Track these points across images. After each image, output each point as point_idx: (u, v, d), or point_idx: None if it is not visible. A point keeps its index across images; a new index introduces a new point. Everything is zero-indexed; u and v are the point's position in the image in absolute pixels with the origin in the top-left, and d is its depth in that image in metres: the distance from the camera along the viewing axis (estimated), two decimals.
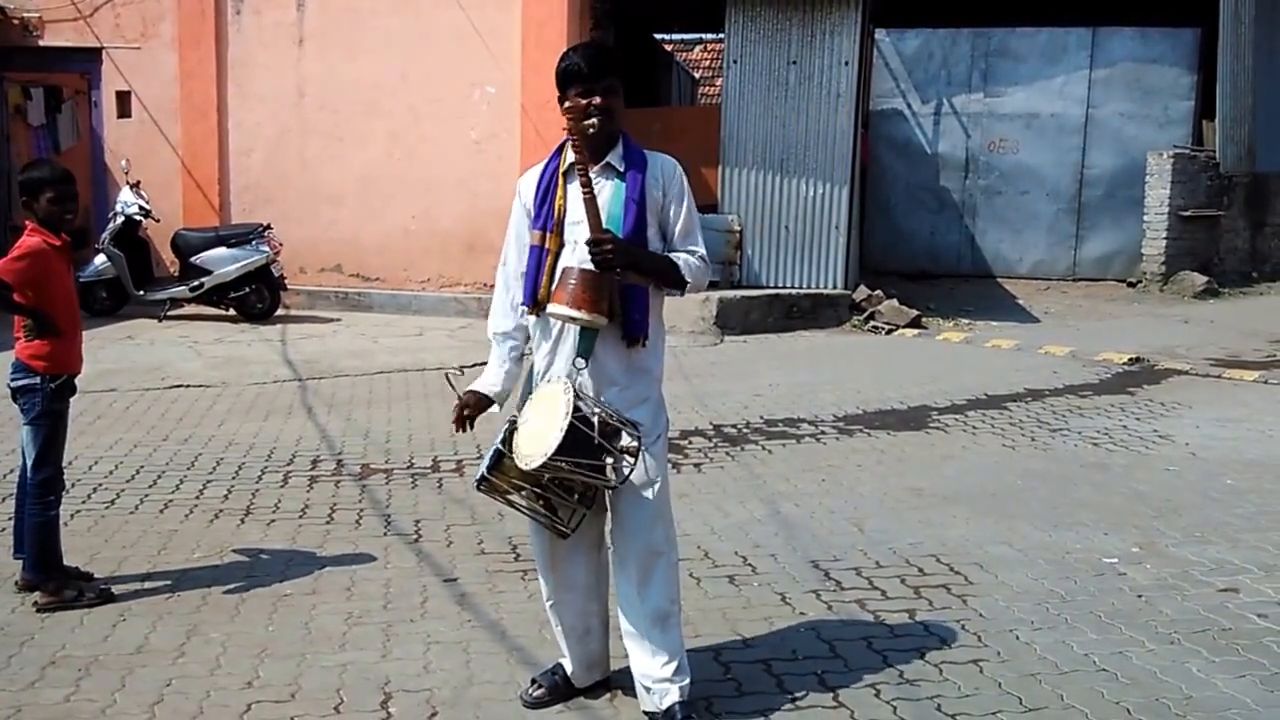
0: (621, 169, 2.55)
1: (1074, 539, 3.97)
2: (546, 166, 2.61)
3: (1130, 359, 7.53)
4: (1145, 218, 11.08)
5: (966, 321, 9.38)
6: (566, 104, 2.50)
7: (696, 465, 4.93)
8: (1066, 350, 7.91)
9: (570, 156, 2.53)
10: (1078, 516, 4.23)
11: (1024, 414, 6.00)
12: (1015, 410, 6.09)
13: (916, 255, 11.83)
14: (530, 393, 2.58)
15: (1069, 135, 11.51)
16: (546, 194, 2.57)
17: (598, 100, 2.48)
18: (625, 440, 2.43)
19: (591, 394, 2.50)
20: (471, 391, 2.66)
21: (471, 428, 2.64)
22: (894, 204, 11.92)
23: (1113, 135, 11.40)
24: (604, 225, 2.45)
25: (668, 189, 2.58)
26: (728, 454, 5.13)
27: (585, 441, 2.36)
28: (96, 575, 3.51)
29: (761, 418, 5.87)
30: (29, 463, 3.39)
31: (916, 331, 8.89)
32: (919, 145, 11.90)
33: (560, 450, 2.32)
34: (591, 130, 2.47)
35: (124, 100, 9.78)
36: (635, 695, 2.66)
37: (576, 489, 2.49)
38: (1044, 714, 2.69)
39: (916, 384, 6.76)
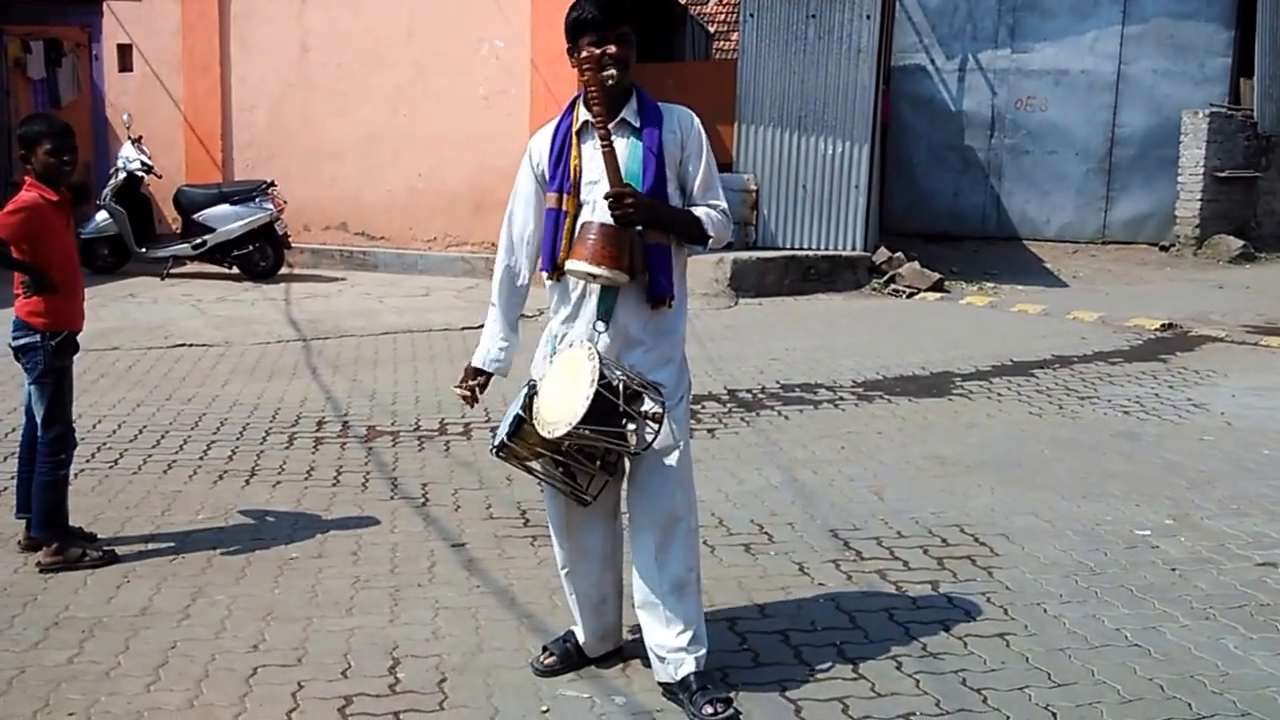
0: (637, 124, 2.46)
1: (1104, 510, 3.86)
2: (559, 125, 2.50)
3: (1162, 325, 7.36)
4: (1179, 179, 10.81)
5: (991, 285, 9.21)
6: (582, 54, 2.38)
7: (711, 431, 4.83)
8: (1096, 315, 7.75)
9: (583, 114, 2.42)
10: (1108, 487, 4.12)
11: (1051, 381, 5.86)
12: (1042, 377, 5.95)
13: (939, 216, 11.60)
14: (549, 357, 2.49)
15: (1100, 93, 11.20)
16: (561, 154, 2.47)
17: (613, 49, 2.37)
18: (648, 405, 2.35)
19: (613, 357, 2.41)
20: (476, 369, 2.60)
21: (482, 392, 2.62)
22: (916, 163, 11.67)
23: (1145, 93, 11.10)
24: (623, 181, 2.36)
25: (686, 142, 2.49)
26: (743, 419, 5.03)
27: (609, 408, 2.29)
28: (100, 536, 3.47)
29: (778, 382, 5.76)
30: (39, 421, 3.35)
31: (939, 295, 8.73)
32: (943, 102, 11.61)
33: (585, 418, 2.24)
34: (610, 81, 2.35)
35: (125, 54, 9.63)
36: (648, 665, 2.59)
37: (598, 455, 2.41)
38: (1074, 689, 2.60)
39: (939, 349, 6.62)
